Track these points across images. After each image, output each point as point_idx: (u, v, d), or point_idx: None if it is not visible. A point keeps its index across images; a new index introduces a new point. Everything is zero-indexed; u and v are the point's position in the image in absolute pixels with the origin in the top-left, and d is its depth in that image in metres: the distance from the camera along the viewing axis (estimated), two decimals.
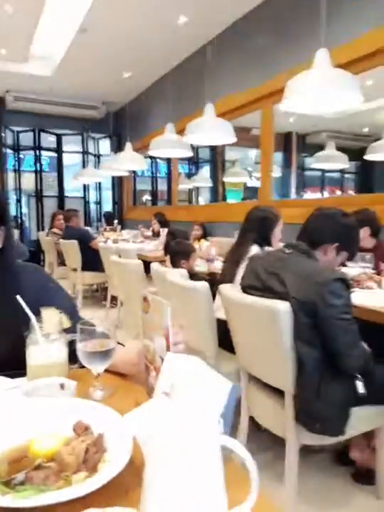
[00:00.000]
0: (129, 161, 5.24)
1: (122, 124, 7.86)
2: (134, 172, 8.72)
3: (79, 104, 7.86)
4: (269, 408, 1.80)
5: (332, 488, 1.93)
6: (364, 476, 1.93)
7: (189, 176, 8.64)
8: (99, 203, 9.33)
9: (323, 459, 2.11)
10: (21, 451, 0.71)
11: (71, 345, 1.01)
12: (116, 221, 7.18)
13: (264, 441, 2.10)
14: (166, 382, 0.74)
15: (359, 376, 1.59)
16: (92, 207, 9.40)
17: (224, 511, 0.57)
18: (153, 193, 9.35)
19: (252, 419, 1.96)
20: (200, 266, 3.18)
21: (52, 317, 1.02)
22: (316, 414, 1.59)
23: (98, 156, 8.98)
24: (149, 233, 5.99)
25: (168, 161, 7.70)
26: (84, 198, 9.07)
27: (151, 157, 8.03)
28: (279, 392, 1.70)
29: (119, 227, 6.92)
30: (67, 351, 1.00)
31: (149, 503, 0.56)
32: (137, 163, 5.25)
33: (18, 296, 0.99)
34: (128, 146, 5.26)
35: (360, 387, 1.58)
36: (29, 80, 6.65)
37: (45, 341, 0.98)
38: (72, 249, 5.25)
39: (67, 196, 8.81)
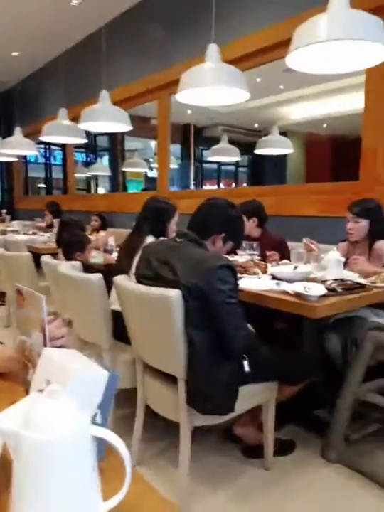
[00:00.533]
0: (18, 146, 4.90)
1: (10, 107, 7.32)
2: (25, 159, 8.20)
3: None
4: (163, 395, 1.83)
5: (224, 465, 2.03)
6: (252, 451, 2.07)
7: (87, 164, 8.37)
8: None
9: (214, 440, 2.21)
10: None
11: None
12: (4, 211, 6.69)
13: (160, 429, 2.14)
14: (42, 377, 0.71)
15: (245, 356, 1.69)
16: None
17: (98, 502, 0.57)
18: (48, 182, 8.89)
19: (148, 407, 1.98)
20: (96, 257, 3.11)
21: None
22: (206, 395, 1.65)
23: None
24: (43, 224, 5.68)
25: (63, 148, 7.37)
26: None
27: (44, 143, 7.61)
28: (172, 379, 1.74)
29: (8, 217, 6.47)
30: None
31: (19, 505, 0.54)
32: (27, 149, 4.93)
33: None
34: (17, 130, 4.92)
35: (246, 365, 1.68)
36: None
37: None
38: None
39: None
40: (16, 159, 6.59)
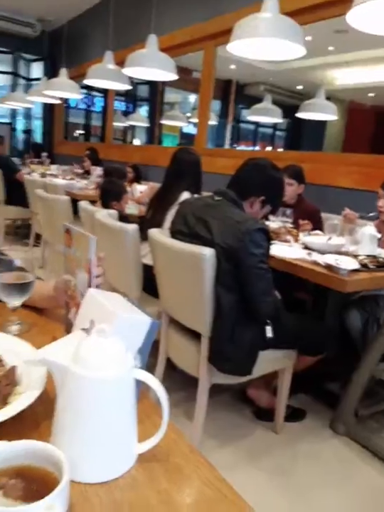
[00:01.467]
0: (62, 88, 4.85)
1: (58, 47, 7.19)
2: (68, 104, 8.14)
3: (12, 19, 7.03)
4: (186, 349, 1.87)
5: (235, 424, 2.10)
6: (264, 413, 2.12)
7: (126, 113, 8.25)
8: (27, 132, 8.66)
9: (228, 398, 2.28)
10: None
11: None
12: (44, 154, 6.72)
13: (178, 381, 2.21)
14: (86, 317, 0.73)
15: (269, 321, 1.70)
16: (20, 136, 8.71)
17: (134, 443, 0.60)
18: (87, 128, 8.84)
19: (168, 360, 2.04)
20: (131, 208, 3.12)
21: None
22: (228, 355, 1.68)
23: (29, 80, 8.23)
24: (80, 171, 5.71)
25: (105, 94, 7.26)
26: (11, 124, 8.36)
27: (86, 87, 7.51)
28: (195, 335, 1.78)
29: (47, 160, 6.51)
30: None
31: (60, 435, 0.57)
32: (72, 91, 4.87)
33: None
34: (63, 71, 4.85)
35: (269, 331, 1.70)
36: None
37: None
38: None
39: None
40: (58, 102, 6.53)
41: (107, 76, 3.88)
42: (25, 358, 0.69)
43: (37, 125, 8.84)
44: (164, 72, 3.30)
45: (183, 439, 0.65)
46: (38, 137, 8.79)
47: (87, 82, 4.01)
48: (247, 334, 1.68)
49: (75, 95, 5.05)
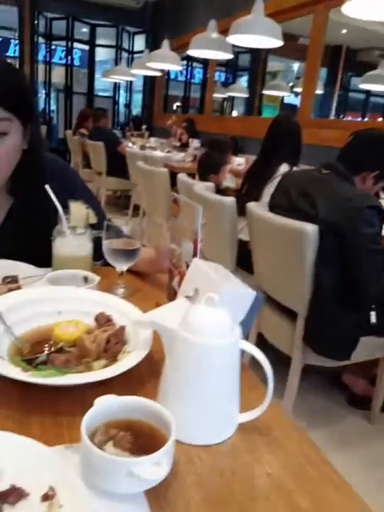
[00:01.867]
0: (164, 60, 4.90)
1: (160, 19, 7.26)
2: (168, 76, 8.23)
3: None
4: (280, 327, 1.84)
5: (326, 408, 2.04)
6: (358, 401, 2.03)
7: (225, 84, 8.12)
8: (128, 105, 8.97)
9: (320, 380, 2.20)
10: (44, 334, 0.74)
11: (96, 242, 1.01)
12: (144, 126, 6.93)
13: (268, 358, 2.18)
14: (190, 286, 0.74)
15: (374, 306, 1.60)
16: (121, 109, 9.06)
17: (236, 413, 0.60)
18: (185, 100, 8.89)
19: (259, 335, 2.03)
20: (229, 181, 3.09)
21: (79, 211, 1.01)
22: (325, 337, 1.62)
23: (132, 53, 8.45)
24: (177, 143, 5.79)
25: (205, 66, 7.20)
26: (113, 98, 8.71)
27: (187, 59, 7.51)
28: (291, 313, 1.73)
29: (147, 133, 6.69)
30: (92, 246, 1.01)
31: (166, 396, 0.59)
32: (173, 63, 4.91)
33: (47, 186, 0.97)
34: (165, 43, 4.89)
35: (373, 317, 1.60)
36: None
37: (72, 234, 0.98)
38: (98, 151, 5.14)
39: (97, 95, 8.47)
40: (160, 74, 6.64)
41: (210, 46, 3.83)
42: (133, 319, 0.72)
43: (137, 98, 9.10)
44: (270, 39, 3.16)
45: (285, 415, 0.64)
46: (137, 110, 9.07)
47: (190, 52, 4.00)
48: (348, 317, 1.60)
49: (176, 67, 5.09)
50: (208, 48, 3.85)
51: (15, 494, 0.44)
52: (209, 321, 0.55)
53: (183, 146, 5.57)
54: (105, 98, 8.56)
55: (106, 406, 0.54)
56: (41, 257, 1.01)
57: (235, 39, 3.36)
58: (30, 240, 1.05)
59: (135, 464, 0.46)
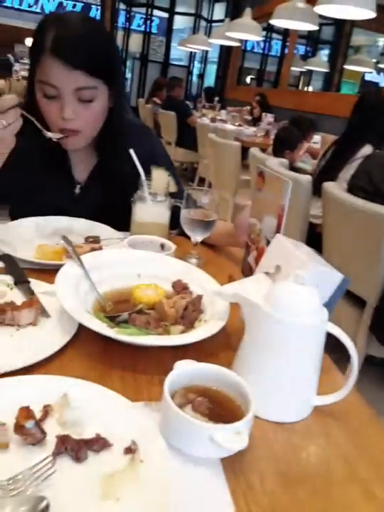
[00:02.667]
0: (244, 29, 4.74)
1: None
2: (244, 47, 7.98)
3: None
4: (344, 313, 1.78)
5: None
6: None
7: (304, 58, 7.76)
8: (202, 75, 8.84)
9: (379, 372, 2.12)
10: (124, 295, 0.77)
11: (172, 211, 1.02)
12: (216, 98, 6.81)
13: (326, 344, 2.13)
14: (271, 262, 0.72)
15: None
16: (194, 80, 8.96)
17: (313, 395, 0.58)
18: (260, 73, 8.62)
19: None
20: (305, 162, 2.95)
21: (161, 178, 1.01)
22: None
23: (210, 22, 8.27)
24: (248, 117, 5.65)
25: (284, 37, 6.90)
26: (188, 68, 8.62)
27: (266, 29, 7.22)
28: (358, 300, 1.67)
29: (218, 105, 6.59)
30: (170, 214, 1.02)
31: (244, 369, 0.59)
32: (253, 33, 4.74)
33: (131, 151, 0.98)
34: (247, 12, 4.72)
35: None
36: None
37: (152, 200, 0.99)
38: (170, 121, 5.14)
39: (172, 64, 8.41)
40: (238, 44, 6.45)
41: (294, 16, 3.65)
42: (213, 289, 0.72)
43: (210, 69, 8.94)
44: (362, 10, 2.94)
45: (363, 403, 0.62)
46: (210, 81, 8.92)
47: (272, 22, 3.84)
48: None
49: (256, 37, 4.91)
50: (292, 18, 3.67)
51: (100, 443, 0.46)
52: (297, 300, 0.54)
53: (255, 121, 5.43)
54: (179, 67, 8.49)
55: (185, 370, 0.55)
56: (119, 219, 1.03)
57: (324, 9, 3.16)
58: (111, 200, 1.08)
59: (217, 430, 0.47)
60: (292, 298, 0.54)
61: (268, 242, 0.80)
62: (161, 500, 0.41)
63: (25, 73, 5.51)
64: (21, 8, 8.64)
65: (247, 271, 0.90)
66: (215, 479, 0.47)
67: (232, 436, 0.46)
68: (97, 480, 0.43)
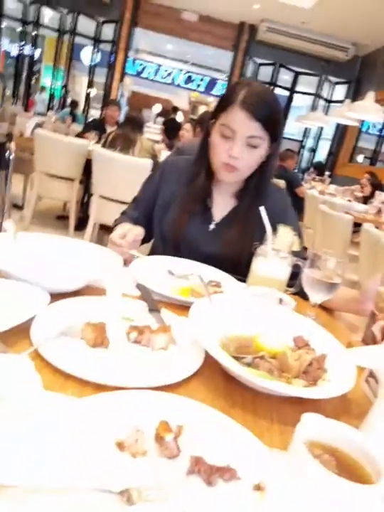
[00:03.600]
0: (366, 111, 4.81)
1: (368, 71, 7.18)
2: (360, 127, 8.05)
3: (326, 43, 7.42)
4: None
5: None
6: None
7: None
8: (314, 150, 9.02)
9: None
10: (246, 341, 0.78)
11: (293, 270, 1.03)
12: (327, 173, 6.86)
13: None
14: None
15: None
16: (305, 154, 9.16)
17: None
18: (375, 153, 8.55)
19: None
20: None
21: (286, 236, 1.04)
22: None
23: (329, 102, 8.53)
24: (360, 194, 5.57)
25: None
26: (301, 142, 8.87)
27: None
28: None
29: (328, 180, 6.61)
30: (290, 272, 1.03)
31: (373, 434, 0.56)
32: (374, 115, 4.79)
33: (261, 208, 1.04)
34: (370, 95, 4.80)
35: None
36: (285, 11, 6.51)
37: (275, 256, 1.02)
38: None
39: (286, 137, 8.73)
40: (357, 124, 6.54)
41: None
42: (332, 349, 0.71)
43: (321, 145, 9.09)
44: None
45: None
46: (321, 157, 9.05)
47: None
48: None
49: (376, 119, 4.95)
50: None
51: (230, 473, 0.47)
52: None
53: (365, 198, 5.34)
54: (293, 141, 8.77)
55: (313, 424, 0.54)
56: (238, 266, 1.08)
57: None
58: (236, 244, 1.14)
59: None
60: None
61: None
62: None
63: (150, 135, 6.08)
64: (155, 79, 9.73)
65: (370, 340, 0.86)
66: None
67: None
68: (225, 508, 0.43)
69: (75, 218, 3.85)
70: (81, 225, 3.88)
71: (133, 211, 1.29)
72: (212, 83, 9.91)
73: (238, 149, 1.09)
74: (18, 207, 4.34)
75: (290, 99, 8.37)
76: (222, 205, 1.23)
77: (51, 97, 9.18)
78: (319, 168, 7.33)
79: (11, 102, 7.67)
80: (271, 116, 1.10)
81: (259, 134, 1.09)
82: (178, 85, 9.82)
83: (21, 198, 4.43)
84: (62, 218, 4.34)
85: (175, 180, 1.25)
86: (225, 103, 1.11)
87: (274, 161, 1.19)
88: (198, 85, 9.70)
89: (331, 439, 0.53)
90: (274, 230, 1.05)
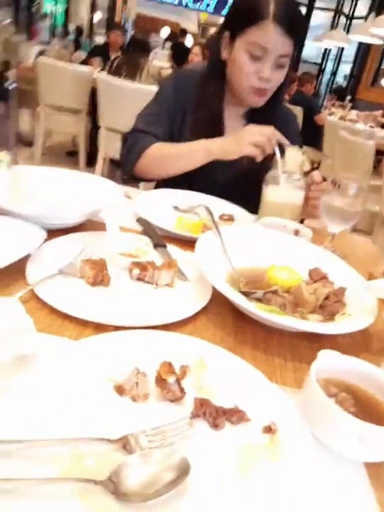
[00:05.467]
0: None
1: None
2: None
3: None
4: None
5: None
6: None
7: None
8: (334, 74, 8.44)
9: None
10: (258, 273, 0.73)
11: None
12: (348, 98, 6.45)
13: None
14: None
15: None
16: (325, 78, 8.59)
17: None
18: None
19: None
20: None
21: (295, 156, 0.96)
22: None
23: (351, 19, 7.82)
24: (383, 119, 5.25)
25: None
26: (320, 65, 8.29)
27: None
28: None
29: (349, 105, 6.23)
30: (303, 195, 0.95)
31: None
32: None
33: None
34: None
35: None
36: None
37: (286, 179, 0.94)
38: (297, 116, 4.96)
39: (304, 60, 8.14)
40: (381, 42, 6.01)
41: None
42: (352, 283, 0.66)
43: (342, 69, 8.49)
44: None
45: None
46: (342, 81, 8.50)
47: None
48: None
49: None
50: None
51: (238, 415, 0.43)
52: None
53: None
54: (311, 64, 8.18)
55: (329, 361, 0.50)
56: (248, 195, 1.00)
57: None
58: (247, 168, 1.03)
59: (369, 430, 0.41)
60: None
61: None
62: (299, 487, 0.38)
63: (160, 63, 5.73)
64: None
65: None
66: (357, 482, 0.42)
67: None
68: (233, 452, 0.40)
69: (84, 153, 3.74)
70: (92, 160, 3.78)
71: (156, 128, 1.10)
72: (222, 2, 9.13)
73: (269, 71, 0.97)
74: (30, 144, 4.22)
75: (308, 16, 7.68)
76: (231, 127, 1.11)
77: (54, 24, 8.65)
78: (339, 93, 6.89)
79: (12, 31, 7.23)
80: (301, 30, 1.00)
81: (290, 51, 0.97)
82: (186, 6, 9.11)
83: (31, 136, 4.29)
84: (72, 154, 4.22)
85: (188, 99, 1.11)
86: (253, 16, 0.95)
87: (288, 80, 1.06)
88: (208, 5, 8.98)
89: (349, 377, 0.50)
90: (282, 152, 0.96)
